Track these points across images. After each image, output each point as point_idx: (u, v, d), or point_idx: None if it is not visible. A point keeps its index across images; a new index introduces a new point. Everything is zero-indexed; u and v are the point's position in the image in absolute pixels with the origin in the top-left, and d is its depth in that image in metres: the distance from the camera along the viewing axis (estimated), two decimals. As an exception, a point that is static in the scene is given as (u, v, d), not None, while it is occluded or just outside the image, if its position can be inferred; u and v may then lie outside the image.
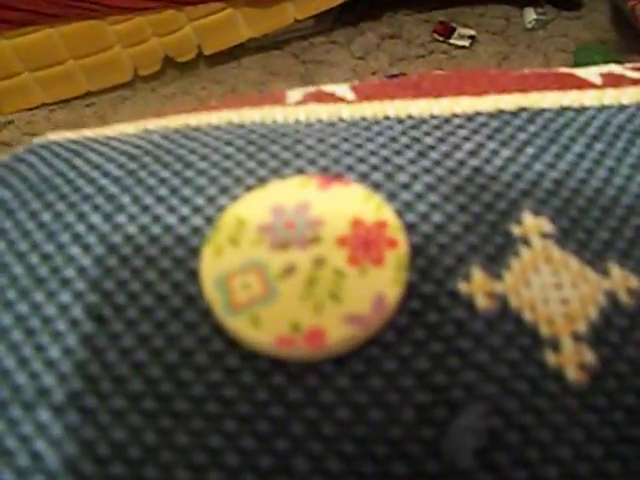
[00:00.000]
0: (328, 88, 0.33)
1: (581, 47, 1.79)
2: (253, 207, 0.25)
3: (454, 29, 1.92)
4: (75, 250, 0.25)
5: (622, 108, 0.31)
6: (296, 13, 1.85)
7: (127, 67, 1.85)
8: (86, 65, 1.81)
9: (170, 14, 1.77)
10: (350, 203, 0.25)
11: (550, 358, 0.23)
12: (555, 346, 0.23)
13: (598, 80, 0.33)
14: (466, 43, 1.90)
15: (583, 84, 0.32)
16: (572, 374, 0.22)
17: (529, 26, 1.92)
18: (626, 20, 1.79)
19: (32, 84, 1.81)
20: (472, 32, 1.92)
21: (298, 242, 0.24)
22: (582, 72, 0.34)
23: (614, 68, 0.35)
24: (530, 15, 1.92)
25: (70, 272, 0.25)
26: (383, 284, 0.23)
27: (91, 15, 1.72)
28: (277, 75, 1.90)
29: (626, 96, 0.31)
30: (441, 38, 1.93)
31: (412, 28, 1.98)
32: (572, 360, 0.22)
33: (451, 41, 1.92)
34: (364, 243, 0.24)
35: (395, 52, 1.93)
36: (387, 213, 0.24)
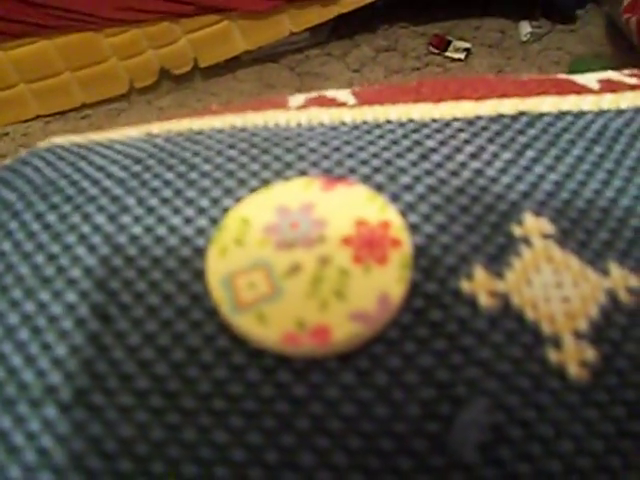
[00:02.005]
0: (329, 93, 0.34)
1: (576, 60, 1.80)
2: (257, 208, 0.25)
3: (449, 42, 1.94)
4: (81, 250, 0.25)
5: (620, 112, 0.31)
6: (292, 25, 1.86)
7: (123, 79, 1.85)
8: (82, 77, 1.81)
9: (166, 26, 1.78)
10: (354, 204, 0.25)
11: (552, 355, 0.23)
12: (557, 343, 0.23)
13: (596, 86, 0.33)
14: (461, 56, 1.91)
15: (581, 89, 0.33)
16: (573, 371, 0.23)
17: (524, 39, 1.93)
18: (620, 33, 1.81)
19: (28, 96, 1.81)
20: (467, 45, 1.93)
21: (303, 242, 0.24)
22: (580, 78, 0.35)
23: (611, 74, 0.36)
24: (525, 28, 1.93)
25: (76, 272, 0.25)
26: (387, 283, 0.23)
27: (87, 27, 1.72)
28: (273, 87, 1.91)
29: (624, 101, 0.32)
30: (437, 51, 1.94)
31: (408, 41, 1.99)
32: (573, 357, 0.23)
33: (447, 54, 1.93)
34: (368, 242, 0.24)
35: (391, 65, 1.94)
36: (390, 213, 0.25)
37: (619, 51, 1.83)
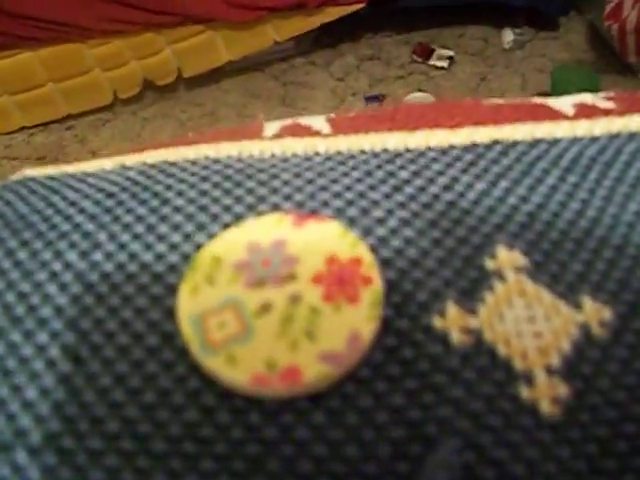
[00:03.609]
0: (305, 121, 0.34)
1: (559, 67, 1.81)
2: (229, 245, 0.25)
3: (433, 50, 1.94)
4: (51, 289, 0.25)
5: (594, 139, 0.31)
6: (276, 35, 1.86)
7: (107, 90, 1.85)
8: (65, 88, 1.81)
9: (149, 37, 1.78)
10: (325, 240, 0.25)
11: (524, 392, 0.23)
12: (529, 380, 0.23)
13: (571, 111, 0.33)
14: (445, 64, 1.92)
15: (556, 115, 0.33)
16: (546, 408, 0.23)
17: (507, 47, 1.94)
18: (602, 40, 1.82)
19: (11, 108, 1.80)
20: (451, 53, 1.93)
21: (274, 280, 0.24)
22: (555, 103, 0.35)
23: (586, 98, 0.36)
24: (508, 36, 1.94)
25: (47, 311, 0.25)
26: (358, 321, 0.23)
27: (70, 39, 1.72)
28: (257, 97, 1.91)
29: (598, 127, 0.32)
30: (420, 59, 1.94)
31: (391, 49, 1.99)
32: (546, 394, 0.23)
33: (430, 62, 1.93)
34: (339, 280, 0.24)
35: (374, 73, 1.94)
36: (362, 250, 0.25)
37: (601, 57, 1.84)
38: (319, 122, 0.33)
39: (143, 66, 1.83)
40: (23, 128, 1.85)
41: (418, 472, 0.21)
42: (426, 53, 1.94)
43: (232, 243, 0.25)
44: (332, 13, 1.84)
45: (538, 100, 0.36)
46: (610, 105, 0.34)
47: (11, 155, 1.80)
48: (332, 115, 0.35)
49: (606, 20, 1.70)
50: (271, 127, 0.33)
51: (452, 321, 0.24)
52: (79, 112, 1.86)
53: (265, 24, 1.83)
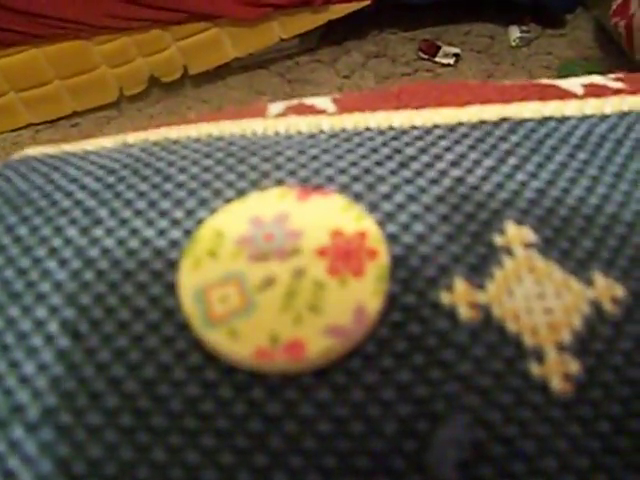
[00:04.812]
0: (309, 101, 0.33)
1: (565, 64, 1.81)
2: (231, 219, 0.25)
3: (439, 47, 1.94)
4: (51, 264, 0.25)
5: (604, 118, 0.30)
6: (281, 32, 1.86)
7: (113, 87, 1.85)
8: (72, 85, 1.80)
9: (155, 34, 1.77)
10: (330, 214, 0.24)
11: (534, 369, 0.22)
12: (539, 356, 0.22)
13: (580, 90, 0.33)
14: (451, 61, 1.91)
15: (565, 94, 0.32)
16: (557, 384, 0.22)
17: (513, 44, 1.93)
18: (609, 37, 1.81)
19: (18, 104, 1.80)
20: (457, 50, 1.93)
21: (277, 254, 0.23)
22: (564, 83, 0.34)
23: (596, 79, 0.35)
24: (514, 33, 1.93)
25: (46, 286, 0.24)
26: (364, 295, 0.22)
27: (76, 35, 1.72)
28: (263, 94, 1.91)
29: (608, 106, 0.31)
30: (426, 56, 1.94)
31: (397, 47, 1.99)
32: (556, 370, 0.22)
33: (436, 59, 1.93)
34: (344, 254, 0.23)
35: (380, 71, 1.94)
36: (367, 223, 0.24)
37: (608, 55, 1.83)
38: (324, 102, 0.33)
39: (149, 63, 1.82)
40: (29, 125, 1.85)
41: (426, 449, 0.21)
42: (432, 50, 1.94)
43: (234, 217, 0.25)
44: (338, 10, 1.84)
45: (546, 81, 0.35)
46: (620, 85, 0.34)
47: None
48: (337, 95, 0.34)
49: (613, 17, 1.69)
50: (275, 107, 0.33)
51: (460, 296, 0.23)
52: (85, 109, 1.86)
53: (271, 21, 1.83)
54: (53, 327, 0.23)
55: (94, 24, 1.70)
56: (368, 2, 1.83)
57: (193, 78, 1.92)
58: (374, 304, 0.22)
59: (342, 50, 1.99)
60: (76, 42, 1.73)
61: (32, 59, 1.73)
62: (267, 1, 1.76)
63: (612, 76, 0.36)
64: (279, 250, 0.23)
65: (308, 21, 1.85)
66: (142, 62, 1.82)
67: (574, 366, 0.22)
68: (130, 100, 1.91)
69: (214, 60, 1.87)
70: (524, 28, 1.94)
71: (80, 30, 1.70)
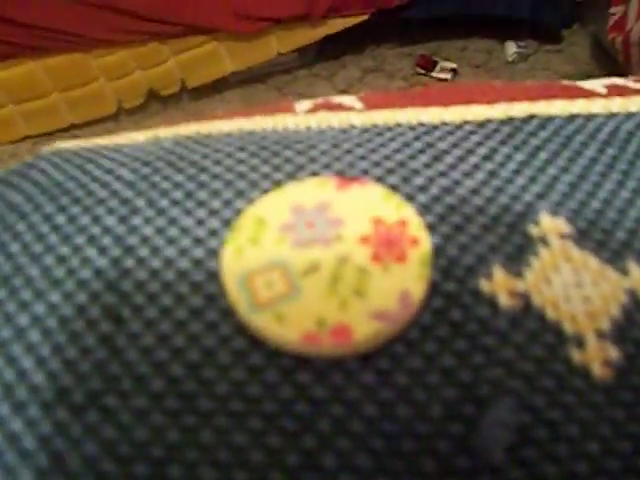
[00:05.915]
0: (336, 99, 0.33)
1: (562, 79, 1.82)
2: (272, 207, 0.25)
3: (436, 62, 1.95)
4: (91, 252, 0.25)
5: (630, 115, 0.31)
6: (279, 47, 1.87)
7: (111, 100, 1.85)
8: (70, 98, 1.81)
9: (154, 47, 1.78)
10: (370, 202, 0.25)
11: (575, 355, 0.22)
12: (579, 343, 0.23)
13: (603, 90, 0.33)
14: (448, 76, 1.92)
15: (589, 94, 0.33)
16: (597, 370, 0.22)
17: (510, 59, 1.94)
18: (606, 52, 1.82)
19: (16, 117, 1.80)
20: (454, 65, 1.94)
21: (320, 241, 0.23)
22: (586, 84, 0.35)
23: (616, 80, 0.36)
24: (511, 48, 1.94)
25: (86, 273, 0.24)
26: (407, 281, 0.22)
27: (75, 48, 1.72)
28: (261, 108, 1.91)
29: (633, 104, 0.32)
30: (423, 71, 1.95)
31: (394, 61, 2.00)
32: (597, 357, 0.22)
33: (433, 74, 1.94)
34: (386, 241, 0.23)
35: (377, 85, 1.94)
36: (408, 212, 0.24)
37: (605, 70, 1.84)
38: (351, 100, 0.33)
39: (147, 76, 1.83)
40: (28, 137, 1.85)
41: (473, 432, 0.21)
42: (429, 65, 1.95)
43: (275, 206, 0.25)
44: (335, 25, 1.85)
45: (568, 82, 0.36)
46: (641, 86, 0.34)
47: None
48: (362, 94, 0.35)
49: (610, 32, 1.70)
50: (303, 105, 0.33)
51: (499, 284, 0.24)
52: (83, 122, 1.86)
53: (269, 36, 1.84)
54: (95, 312, 0.23)
55: (93, 37, 1.70)
56: (366, 17, 1.84)
57: (191, 92, 1.92)
58: (418, 289, 0.22)
59: (339, 65, 2.00)
60: (75, 55, 1.74)
61: (30, 71, 1.74)
62: (265, 15, 1.77)
63: (632, 78, 0.36)
64: (322, 237, 0.24)
65: (306, 36, 1.86)
66: (140, 75, 1.83)
67: (614, 353, 0.23)
68: (128, 113, 1.91)
69: (212, 74, 1.88)
70: (521, 44, 1.95)
71: (79, 43, 1.71)
